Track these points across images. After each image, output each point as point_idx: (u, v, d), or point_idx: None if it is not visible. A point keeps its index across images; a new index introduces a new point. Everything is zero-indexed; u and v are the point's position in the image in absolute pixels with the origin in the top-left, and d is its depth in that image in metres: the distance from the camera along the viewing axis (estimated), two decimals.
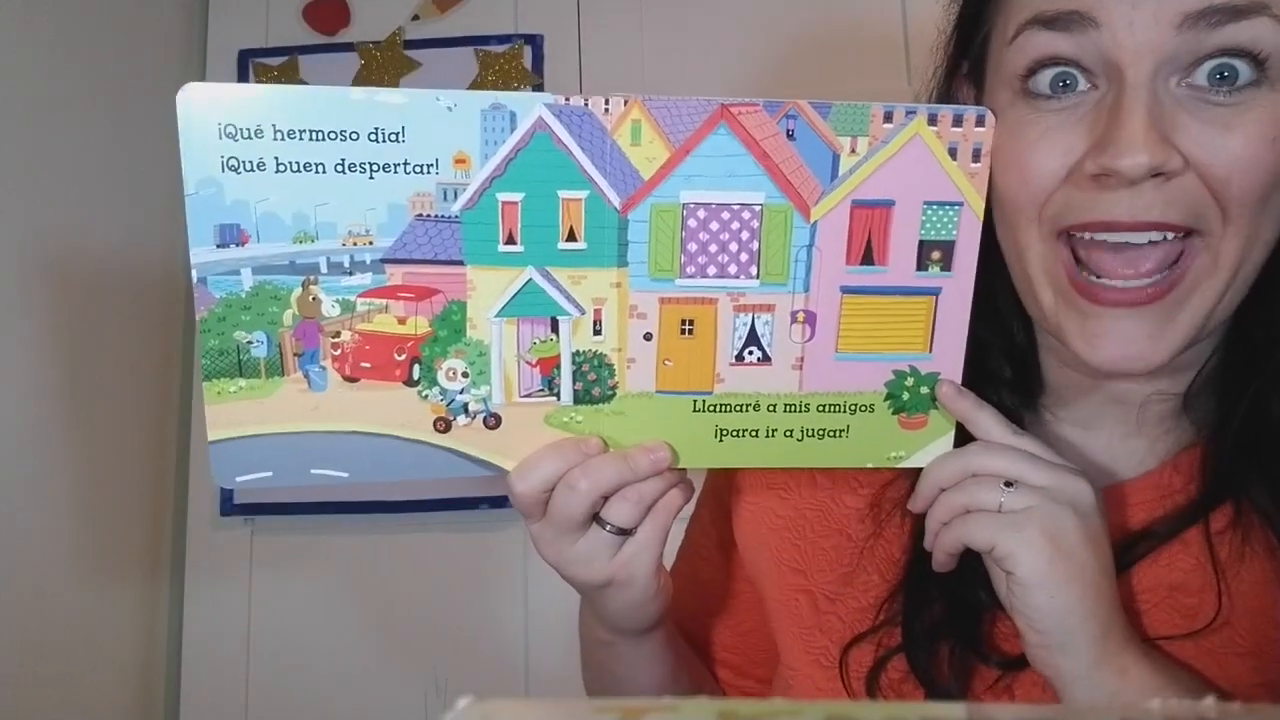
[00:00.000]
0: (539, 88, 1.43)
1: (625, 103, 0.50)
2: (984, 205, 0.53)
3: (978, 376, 0.56)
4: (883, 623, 0.58)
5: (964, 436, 0.56)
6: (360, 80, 1.45)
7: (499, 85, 1.43)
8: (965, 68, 0.58)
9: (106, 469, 1.30)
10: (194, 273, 0.49)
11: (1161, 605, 0.53)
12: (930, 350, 0.55)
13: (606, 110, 0.50)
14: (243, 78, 1.47)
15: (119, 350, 1.32)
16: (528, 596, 1.38)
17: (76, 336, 1.24)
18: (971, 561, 0.52)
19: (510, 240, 0.51)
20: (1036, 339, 0.59)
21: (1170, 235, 0.49)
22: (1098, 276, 0.50)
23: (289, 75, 1.47)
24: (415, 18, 1.46)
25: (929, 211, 0.53)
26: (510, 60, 1.44)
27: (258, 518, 1.43)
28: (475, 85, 1.43)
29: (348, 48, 1.46)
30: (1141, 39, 0.46)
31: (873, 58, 1.35)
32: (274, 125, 0.47)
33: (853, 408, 0.56)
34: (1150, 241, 0.49)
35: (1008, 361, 0.58)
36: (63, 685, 1.21)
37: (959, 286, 0.54)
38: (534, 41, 1.45)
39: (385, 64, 1.45)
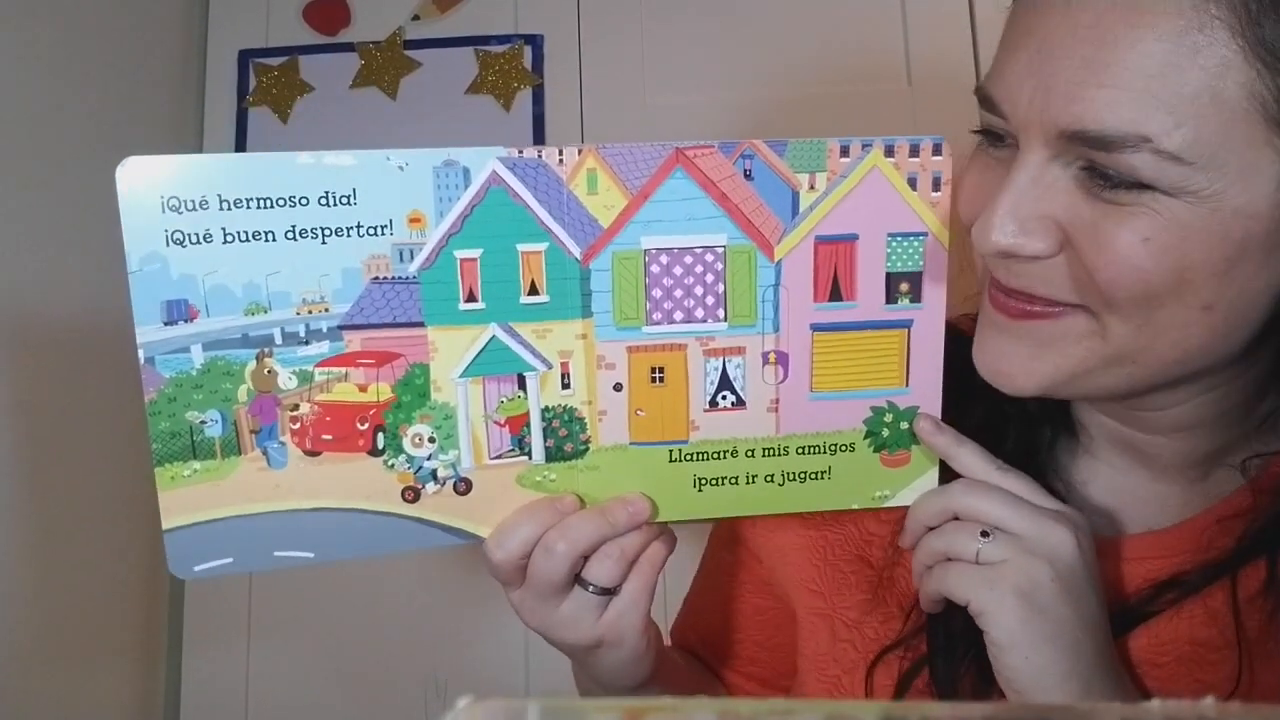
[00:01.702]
0: (539, 88, 1.42)
1: (579, 152, 0.49)
2: (947, 234, 0.52)
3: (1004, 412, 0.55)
4: (908, 635, 0.55)
5: (949, 472, 0.55)
6: (361, 80, 1.45)
7: (499, 85, 1.43)
8: None
9: (92, 514, 1.28)
10: (140, 353, 0.46)
11: (1182, 660, 0.50)
12: (907, 384, 0.54)
13: (561, 161, 0.49)
14: (243, 78, 1.47)
15: (91, 400, 1.29)
16: None
17: (45, 388, 1.21)
18: None
19: (471, 298, 0.50)
20: None
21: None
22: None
23: (289, 75, 1.47)
24: (415, 18, 1.47)
25: (893, 243, 0.52)
26: (510, 60, 1.44)
27: None
28: (475, 85, 1.43)
29: (348, 48, 1.47)
30: (1034, 135, 0.44)
31: (872, 58, 1.36)
32: (219, 195, 0.46)
33: (833, 448, 0.55)
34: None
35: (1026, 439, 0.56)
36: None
37: (930, 317, 0.53)
38: (534, 41, 1.45)
39: (385, 64, 1.45)
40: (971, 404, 0.55)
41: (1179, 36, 0.40)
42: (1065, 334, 0.47)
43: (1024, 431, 0.56)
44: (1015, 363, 0.49)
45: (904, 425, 0.54)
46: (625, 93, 1.41)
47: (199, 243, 0.46)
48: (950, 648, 0.53)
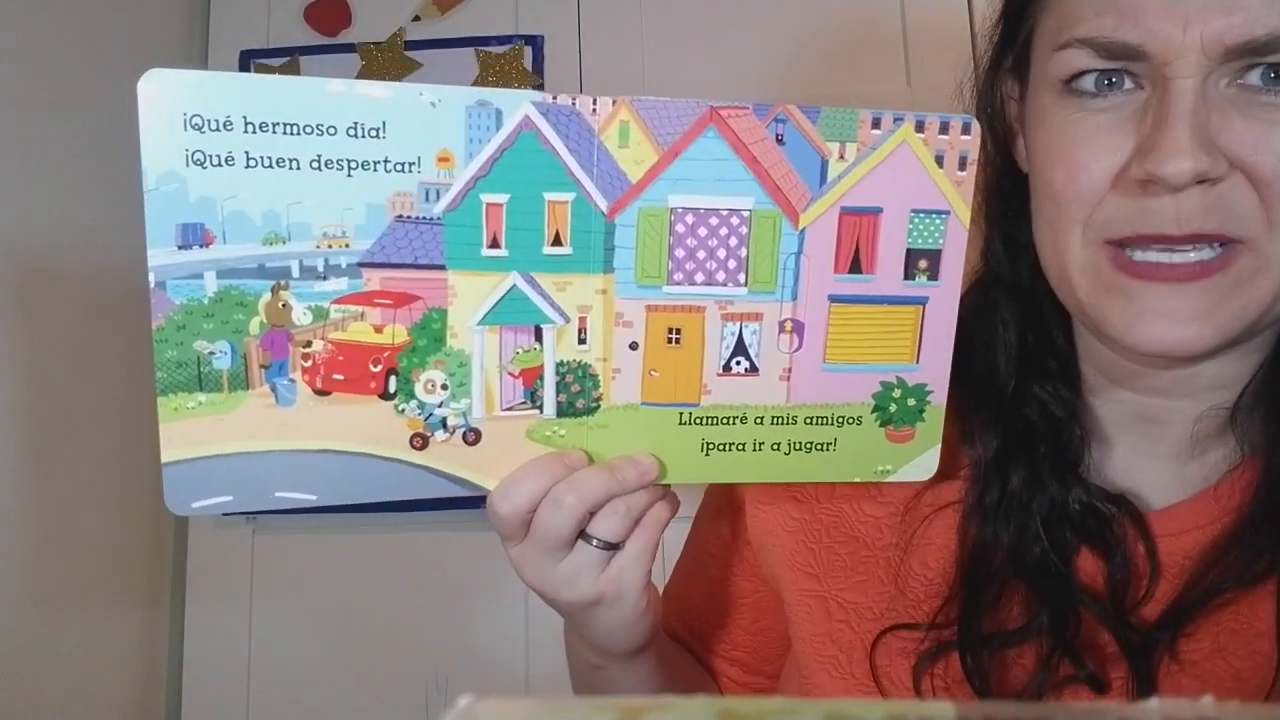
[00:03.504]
0: (539, 88, 1.43)
1: (613, 103, 0.49)
2: (969, 214, 0.53)
3: (1029, 373, 0.56)
4: (936, 622, 0.55)
5: (949, 451, 0.56)
6: (362, 80, 1.44)
7: (499, 85, 1.43)
8: (1009, 62, 0.57)
9: (95, 473, 1.27)
10: (151, 276, 0.45)
11: (1225, 654, 0.50)
12: (917, 361, 0.54)
13: (594, 110, 0.49)
14: None
15: (96, 351, 1.29)
16: (528, 596, 1.40)
17: (50, 338, 1.20)
18: (1053, 562, 0.52)
19: (494, 244, 0.49)
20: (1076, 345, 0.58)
21: (1215, 244, 0.48)
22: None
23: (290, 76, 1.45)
24: (416, 18, 1.47)
25: (916, 220, 0.52)
26: (510, 61, 1.44)
27: (259, 517, 1.42)
28: (475, 86, 1.42)
29: (349, 48, 1.46)
30: (1191, 60, 0.45)
31: (872, 58, 1.37)
32: (245, 117, 0.44)
33: (840, 420, 0.55)
34: (1194, 248, 0.48)
35: (1053, 358, 0.57)
36: (70, 691, 1.21)
37: (945, 296, 0.54)
38: (534, 42, 1.44)
39: (386, 64, 1.45)
40: (992, 416, 0.57)
41: None
42: (1238, 281, 0.47)
43: (1048, 430, 0.56)
44: (1190, 321, 0.48)
45: (911, 401, 0.55)
46: (625, 92, 1.40)
47: (220, 165, 0.44)
48: (986, 643, 0.53)
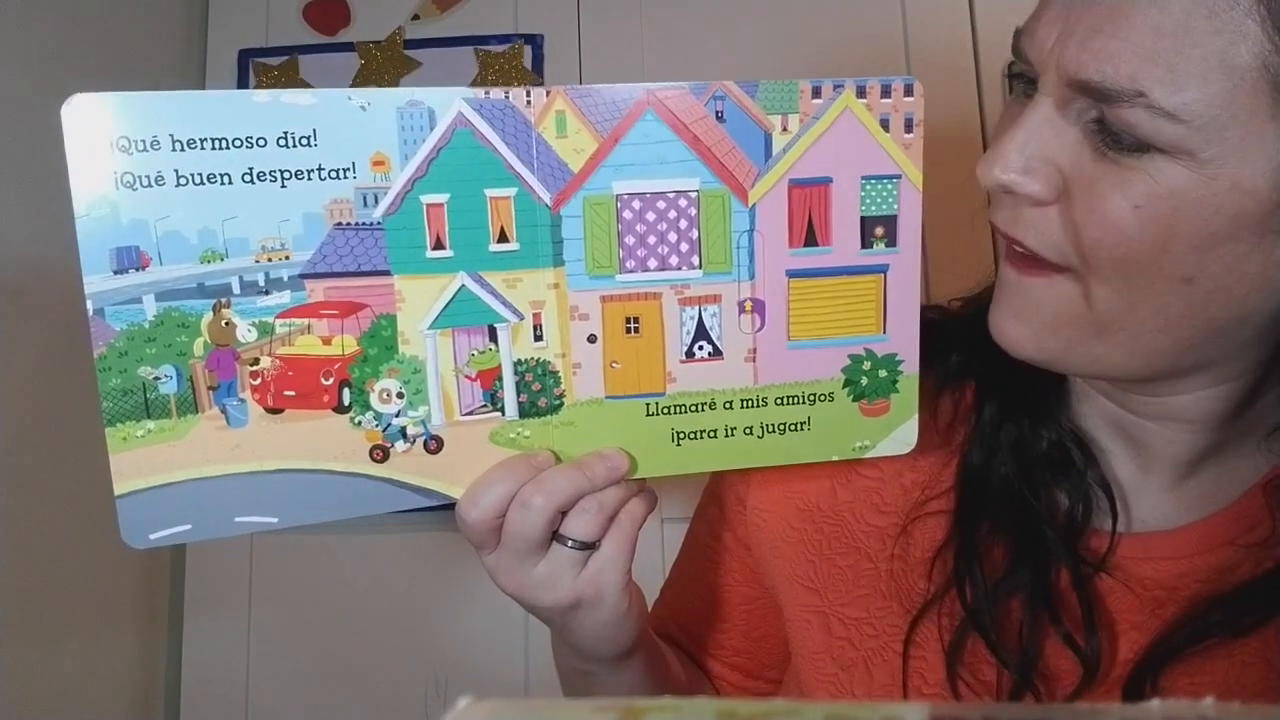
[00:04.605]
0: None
1: (548, 94, 0.48)
2: (920, 177, 0.52)
3: (1011, 406, 0.56)
4: (937, 595, 0.54)
5: (926, 422, 0.54)
6: (361, 80, 1.44)
7: (499, 85, 1.44)
8: None
9: (88, 487, 1.25)
10: (89, 304, 0.44)
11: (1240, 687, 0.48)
12: (885, 331, 0.53)
13: (528, 102, 0.48)
14: (243, 78, 1.45)
15: (91, 363, 1.27)
16: None
17: (42, 349, 1.17)
18: (1027, 502, 0.52)
19: (438, 245, 0.48)
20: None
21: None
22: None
23: (289, 75, 1.45)
24: (415, 17, 1.46)
25: (868, 186, 0.52)
26: (510, 60, 1.44)
27: None
28: (475, 85, 1.44)
29: (348, 47, 1.46)
30: (1050, 79, 0.45)
31: (873, 58, 1.37)
32: (171, 135, 0.43)
33: (811, 398, 0.53)
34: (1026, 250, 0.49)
35: (1025, 389, 0.56)
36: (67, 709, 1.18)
37: (906, 261, 0.53)
38: (534, 41, 1.44)
39: (385, 64, 1.45)
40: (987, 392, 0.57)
41: None
42: (1056, 298, 0.48)
43: (1035, 411, 0.56)
44: (1018, 324, 0.49)
45: (883, 373, 0.54)
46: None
47: (150, 185, 0.44)
48: (995, 592, 0.52)
